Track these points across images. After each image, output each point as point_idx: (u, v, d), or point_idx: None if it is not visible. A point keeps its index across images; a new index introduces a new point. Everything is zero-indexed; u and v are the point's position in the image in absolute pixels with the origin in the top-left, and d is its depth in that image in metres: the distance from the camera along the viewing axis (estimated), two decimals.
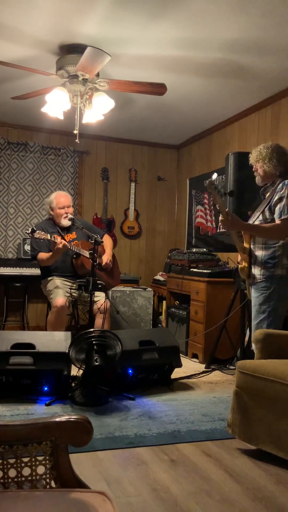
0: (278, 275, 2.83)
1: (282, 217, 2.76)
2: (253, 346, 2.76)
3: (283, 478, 2.06)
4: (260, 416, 2.23)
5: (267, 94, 4.27)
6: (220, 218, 2.80)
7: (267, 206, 2.87)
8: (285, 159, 2.90)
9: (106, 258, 4.09)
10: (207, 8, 2.88)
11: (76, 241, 3.98)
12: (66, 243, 3.71)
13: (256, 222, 2.93)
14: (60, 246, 3.66)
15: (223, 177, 4.70)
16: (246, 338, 3.85)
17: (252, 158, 2.99)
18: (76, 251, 3.87)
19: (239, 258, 3.07)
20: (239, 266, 3.05)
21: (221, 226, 2.83)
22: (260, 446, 2.23)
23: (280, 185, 2.82)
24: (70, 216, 3.97)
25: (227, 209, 2.83)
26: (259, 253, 2.89)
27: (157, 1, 2.83)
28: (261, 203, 3.00)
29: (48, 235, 3.65)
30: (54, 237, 3.70)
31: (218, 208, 2.80)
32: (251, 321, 3.09)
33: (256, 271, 2.91)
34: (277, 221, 2.79)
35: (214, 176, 2.77)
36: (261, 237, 2.89)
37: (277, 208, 2.79)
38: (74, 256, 3.95)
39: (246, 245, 2.98)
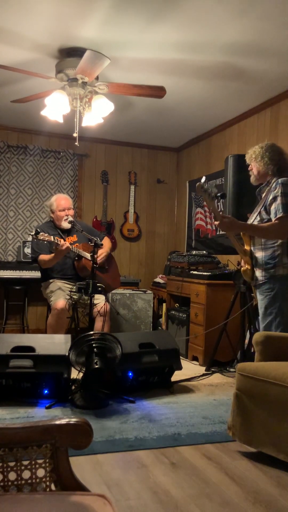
0: (280, 275, 2.80)
1: (278, 216, 2.74)
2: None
3: (283, 480, 2.06)
4: (260, 419, 2.23)
5: (266, 96, 4.28)
6: (216, 222, 2.80)
7: (263, 207, 2.87)
8: (278, 158, 2.89)
9: (100, 252, 4.07)
10: (207, 11, 2.89)
11: (77, 244, 3.99)
12: (69, 245, 3.72)
13: (254, 223, 2.93)
14: (63, 248, 3.67)
15: (222, 180, 4.71)
16: (246, 341, 3.84)
17: (247, 158, 3.02)
18: (78, 253, 3.88)
19: (242, 261, 3.07)
20: (242, 268, 3.04)
21: (219, 229, 2.85)
22: (260, 449, 2.23)
23: (274, 184, 2.81)
24: (70, 219, 3.98)
25: (221, 212, 2.83)
26: (259, 254, 2.89)
27: (157, 4, 2.84)
28: (258, 203, 3.01)
29: (52, 237, 3.67)
30: (56, 239, 3.72)
31: (210, 211, 2.81)
32: (251, 323, 3.09)
33: (258, 273, 2.90)
34: (274, 221, 2.78)
35: (203, 179, 2.77)
36: (259, 237, 2.88)
37: (272, 208, 2.78)
38: (76, 258, 3.97)
39: (246, 247, 2.97)
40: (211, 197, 2.73)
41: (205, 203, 5.21)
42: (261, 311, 2.89)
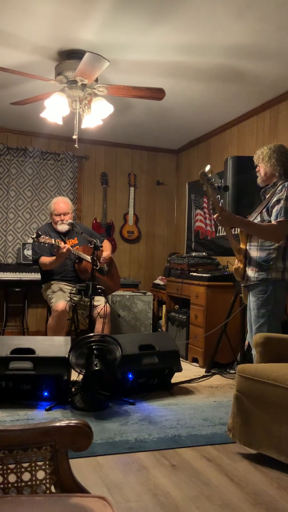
0: (273, 278, 2.81)
1: (278, 219, 2.74)
2: (253, 350, 2.75)
3: (284, 482, 2.05)
4: (260, 420, 2.23)
5: (266, 98, 4.28)
6: (215, 215, 2.81)
7: (265, 208, 2.86)
8: (285, 159, 2.88)
9: (105, 254, 4.08)
10: (206, 13, 2.89)
11: (78, 246, 4.00)
12: (70, 248, 3.73)
13: (264, 223, 2.91)
14: (64, 250, 3.68)
15: (222, 181, 4.71)
16: (246, 342, 3.84)
17: (255, 159, 3.01)
18: (79, 256, 3.89)
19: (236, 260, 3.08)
20: (234, 266, 3.05)
21: (218, 225, 2.85)
22: (260, 450, 2.23)
23: (280, 186, 2.80)
24: (70, 221, 3.98)
25: (221, 204, 2.82)
26: (254, 254, 2.88)
27: (156, 7, 2.85)
28: (260, 204, 3.00)
29: (53, 239, 3.67)
30: (57, 241, 3.72)
31: (211, 202, 2.80)
32: (247, 325, 3.08)
33: (251, 273, 2.89)
34: (273, 223, 2.78)
35: (207, 167, 2.75)
36: (255, 235, 2.89)
37: (274, 210, 2.78)
38: (77, 261, 3.97)
39: (242, 245, 2.97)
40: (214, 188, 2.72)
41: (206, 193, 5.24)
42: (253, 312, 2.89)
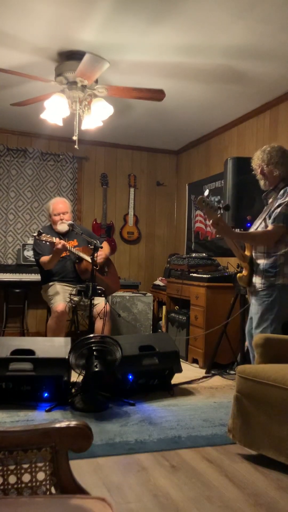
0: (279, 284, 2.77)
1: (276, 224, 2.70)
2: (251, 354, 2.74)
3: (284, 483, 2.05)
4: (260, 421, 2.22)
5: (266, 99, 4.29)
6: (211, 222, 2.76)
7: (268, 214, 2.81)
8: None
9: (100, 253, 4.02)
10: (206, 14, 2.90)
11: (78, 248, 4.00)
12: (65, 243, 3.73)
13: (259, 230, 2.88)
14: (59, 246, 3.68)
15: (222, 182, 4.71)
16: (247, 343, 3.84)
17: (258, 160, 2.87)
18: (79, 256, 3.89)
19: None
20: (238, 274, 3.01)
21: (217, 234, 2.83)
22: (261, 451, 2.22)
23: (282, 191, 2.76)
24: (70, 222, 3.99)
25: (219, 215, 2.76)
26: (261, 261, 2.84)
27: (156, 8, 2.85)
28: (264, 209, 2.95)
29: (53, 238, 3.69)
30: (53, 238, 3.73)
31: (211, 220, 2.72)
32: (246, 330, 3.07)
33: (257, 280, 2.86)
34: (269, 227, 2.74)
35: (206, 192, 2.74)
36: (250, 243, 2.87)
37: (273, 214, 2.74)
38: (77, 261, 3.97)
39: (247, 253, 2.94)
40: (215, 209, 2.69)
41: (205, 215, 5.17)
42: (256, 316, 2.86)
